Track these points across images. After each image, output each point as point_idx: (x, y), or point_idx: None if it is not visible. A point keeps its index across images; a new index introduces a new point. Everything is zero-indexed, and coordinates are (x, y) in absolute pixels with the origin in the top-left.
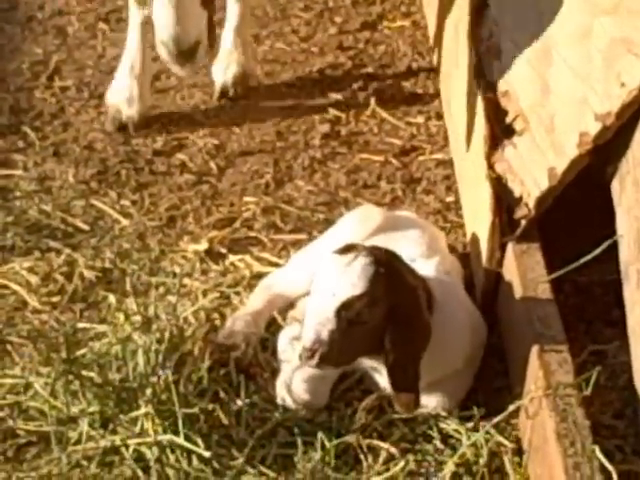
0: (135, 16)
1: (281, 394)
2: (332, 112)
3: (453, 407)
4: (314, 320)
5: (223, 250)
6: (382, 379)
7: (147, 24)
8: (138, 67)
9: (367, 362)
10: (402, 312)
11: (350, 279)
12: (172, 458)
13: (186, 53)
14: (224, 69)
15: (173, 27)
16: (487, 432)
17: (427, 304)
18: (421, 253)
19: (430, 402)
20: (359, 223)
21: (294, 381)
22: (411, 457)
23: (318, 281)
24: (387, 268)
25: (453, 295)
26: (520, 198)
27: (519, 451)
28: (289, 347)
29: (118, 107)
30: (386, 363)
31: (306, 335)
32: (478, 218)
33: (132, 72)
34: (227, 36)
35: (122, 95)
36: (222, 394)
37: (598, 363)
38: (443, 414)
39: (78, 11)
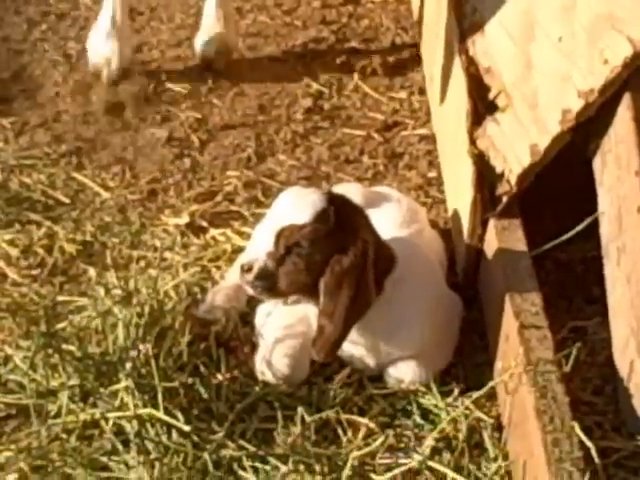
0: None
1: (261, 369)
2: (315, 86)
3: (429, 380)
4: (257, 241)
5: (204, 224)
6: (357, 354)
7: None
8: (119, 21)
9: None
10: (343, 262)
11: (297, 209)
12: (152, 432)
13: None
14: (206, 41)
15: None
16: (467, 407)
17: (385, 271)
18: (396, 227)
19: (405, 376)
20: None
21: (274, 355)
22: (390, 432)
23: (273, 207)
24: (341, 212)
25: (419, 269)
26: (502, 174)
27: (499, 427)
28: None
29: (98, 65)
30: (318, 307)
31: (247, 253)
32: (460, 194)
33: (111, 30)
34: (209, 8)
35: (103, 53)
36: (202, 368)
37: (578, 340)
38: (422, 389)
39: None
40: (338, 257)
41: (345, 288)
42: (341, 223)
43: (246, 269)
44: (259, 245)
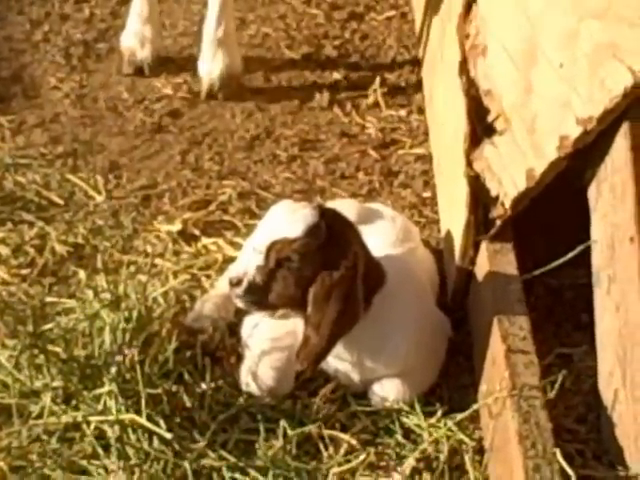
0: None
1: (245, 380)
2: (314, 101)
3: (412, 400)
4: (247, 254)
5: (196, 232)
6: (342, 369)
7: None
8: (146, 10)
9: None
10: (334, 275)
11: (289, 223)
12: (133, 437)
13: None
14: (210, 71)
15: None
16: (449, 429)
17: (374, 287)
18: (389, 244)
19: (389, 394)
20: None
21: (260, 367)
22: (372, 450)
23: (264, 220)
24: (332, 227)
25: (409, 287)
26: (497, 197)
27: (480, 450)
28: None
29: (133, 50)
30: (305, 319)
31: (236, 266)
32: (453, 215)
33: (141, 16)
34: (208, 35)
35: (135, 38)
36: (187, 376)
37: (564, 366)
38: (406, 408)
39: None
40: (329, 270)
41: (334, 300)
42: (332, 238)
43: (235, 282)
44: (249, 258)
